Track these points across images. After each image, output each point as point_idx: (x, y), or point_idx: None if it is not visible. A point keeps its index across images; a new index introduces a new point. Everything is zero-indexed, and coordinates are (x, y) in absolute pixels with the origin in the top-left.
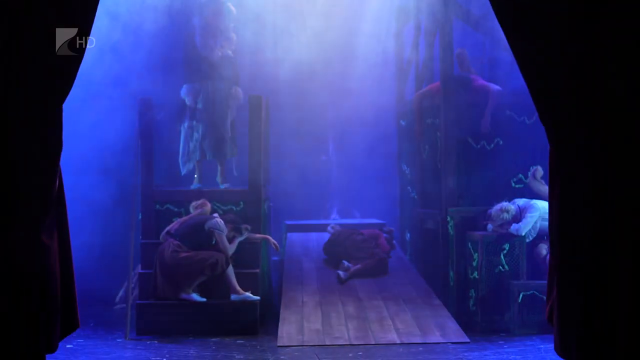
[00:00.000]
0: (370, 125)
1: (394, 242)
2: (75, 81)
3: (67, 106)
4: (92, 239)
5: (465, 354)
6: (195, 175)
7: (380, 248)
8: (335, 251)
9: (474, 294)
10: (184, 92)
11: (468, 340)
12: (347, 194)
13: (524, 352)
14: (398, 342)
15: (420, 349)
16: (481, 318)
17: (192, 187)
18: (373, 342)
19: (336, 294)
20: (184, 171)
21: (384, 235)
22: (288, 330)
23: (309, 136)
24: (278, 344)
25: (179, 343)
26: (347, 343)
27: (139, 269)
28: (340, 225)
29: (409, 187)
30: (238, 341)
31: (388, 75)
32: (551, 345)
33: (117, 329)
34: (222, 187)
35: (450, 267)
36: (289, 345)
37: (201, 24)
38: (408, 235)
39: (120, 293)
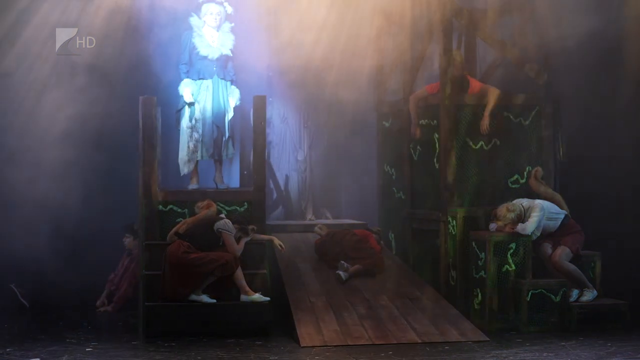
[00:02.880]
0: (347, 126)
1: (381, 242)
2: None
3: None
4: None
5: (496, 352)
6: (193, 176)
7: (373, 248)
8: (331, 251)
9: (479, 293)
10: (181, 87)
11: (487, 338)
12: (322, 195)
13: (552, 350)
14: (419, 341)
15: (447, 347)
16: (489, 317)
17: (190, 187)
18: (394, 342)
19: (341, 294)
20: (184, 171)
21: (374, 235)
22: (307, 331)
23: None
24: (302, 345)
25: (200, 345)
26: (370, 343)
27: (141, 270)
28: (327, 226)
29: (394, 188)
30: (257, 342)
31: (366, 76)
32: (572, 343)
33: (121, 331)
34: (220, 187)
35: (451, 267)
36: (314, 346)
37: (199, 24)
38: (392, 235)
39: (102, 297)
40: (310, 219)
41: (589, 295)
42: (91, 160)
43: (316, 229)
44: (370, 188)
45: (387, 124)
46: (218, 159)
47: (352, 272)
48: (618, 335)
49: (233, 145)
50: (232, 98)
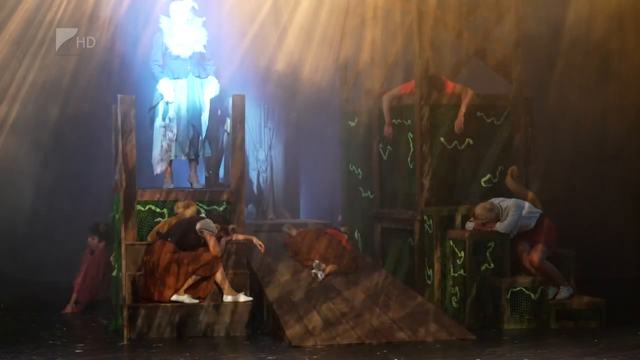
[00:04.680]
0: (308, 125)
1: (350, 241)
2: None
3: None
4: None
5: (491, 350)
6: (167, 176)
7: (346, 247)
8: (304, 251)
9: (458, 292)
10: (160, 86)
11: (474, 336)
12: (282, 195)
13: (544, 346)
14: (407, 339)
15: (438, 346)
16: (468, 315)
17: (164, 187)
18: (384, 341)
19: (320, 293)
20: (157, 171)
21: (343, 234)
22: (295, 331)
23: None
24: (293, 345)
25: (189, 346)
26: (360, 342)
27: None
28: (294, 225)
29: (360, 188)
30: (244, 342)
31: (330, 75)
32: (559, 340)
33: (99, 332)
34: (196, 187)
35: (427, 265)
36: (305, 346)
37: (169, 25)
38: (358, 234)
39: (71, 301)
40: (271, 219)
41: (565, 292)
42: (50, 156)
43: (284, 228)
44: (330, 188)
45: (352, 124)
46: (194, 159)
47: (328, 271)
48: (598, 332)
49: (210, 145)
50: (209, 89)
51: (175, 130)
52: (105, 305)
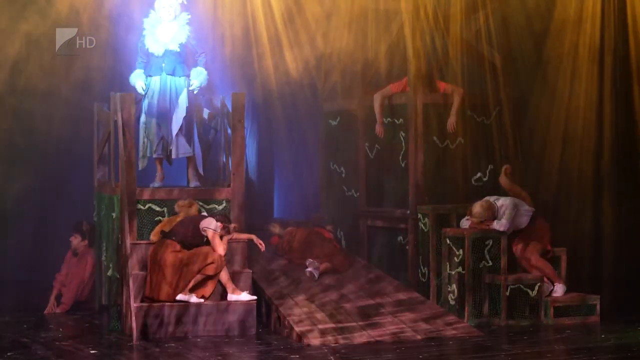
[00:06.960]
0: (282, 123)
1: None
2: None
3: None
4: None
5: (508, 346)
6: (158, 174)
7: (336, 246)
8: (297, 249)
9: (455, 289)
10: (132, 78)
11: (482, 333)
12: (256, 193)
13: (560, 343)
14: (418, 337)
15: (451, 342)
16: (467, 312)
17: (151, 185)
18: (397, 339)
19: (320, 292)
20: (138, 167)
21: (330, 232)
22: (305, 329)
23: None
24: (306, 343)
25: (201, 345)
26: (372, 340)
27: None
28: (279, 224)
29: (344, 187)
30: (254, 342)
31: (309, 73)
32: (565, 336)
33: (99, 333)
34: (192, 186)
35: (422, 264)
36: (321, 344)
37: (154, 21)
38: (340, 232)
39: (51, 300)
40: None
41: (559, 289)
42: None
43: (270, 227)
44: (305, 186)
45: (333, 122)
46: (166, 158)
47: (323, 270)
48: (599, 328)
49: (189, 143)
50: (195, 81)
51: (149, 128)
52: (89, 306)
